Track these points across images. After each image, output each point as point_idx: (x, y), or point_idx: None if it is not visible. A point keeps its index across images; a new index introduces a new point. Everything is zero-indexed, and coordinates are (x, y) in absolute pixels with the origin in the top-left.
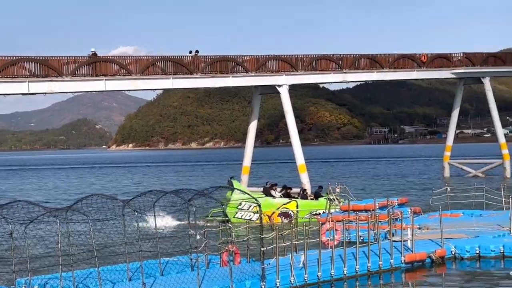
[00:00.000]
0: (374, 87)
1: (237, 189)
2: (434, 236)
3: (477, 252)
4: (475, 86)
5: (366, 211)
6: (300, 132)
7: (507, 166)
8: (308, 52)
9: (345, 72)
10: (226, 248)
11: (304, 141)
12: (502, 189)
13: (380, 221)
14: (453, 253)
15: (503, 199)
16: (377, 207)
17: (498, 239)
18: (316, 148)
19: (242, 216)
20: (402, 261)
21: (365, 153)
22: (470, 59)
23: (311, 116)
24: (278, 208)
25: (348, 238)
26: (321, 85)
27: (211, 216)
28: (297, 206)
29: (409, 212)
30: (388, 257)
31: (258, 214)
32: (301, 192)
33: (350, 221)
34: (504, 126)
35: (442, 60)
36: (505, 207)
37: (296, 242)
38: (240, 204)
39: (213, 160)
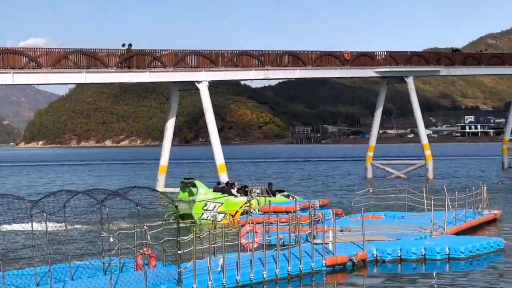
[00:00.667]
0: (296, 85)
1: (180, 191)
2: (355, 238)
3: (399, 254)
4: (399, 86)
5: (287, 213)
6: (220, 130)
7: (430, 167)
8: (229, 48)
9: (267, 69)
10: (141, 251)
11: (224, 140)
12: (424, 191)
13: (301, 223)
14: (374, 255)
15: (425, 201)
16: (298, 208)
17: (419, 242)
18: (237, 147)
19: (208, 217)
20: (323, 264)
21: (288, 153)
22: (393, 57)
23: (231, 114)
24: (241, 207)
25: (268, 241)
26: (242, 82)
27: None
28: (258, 204)
29: (331, 214)
30: (309, 260)
31: (222, 215)
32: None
33: (271, 223)
34: (427, 126)
35: (365, 58)
36: (427, 209)
37: (215, 245)
38: (206, 204)
39: (129, 159)
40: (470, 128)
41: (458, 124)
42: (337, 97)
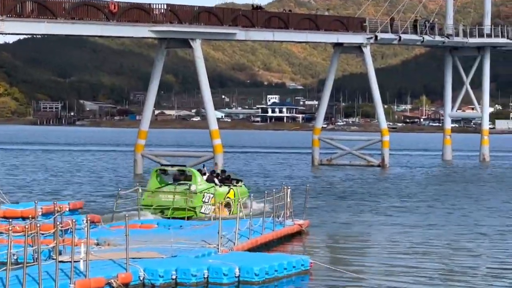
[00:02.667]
0: (43, 44)
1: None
2: (117, 255)
3: (174, 277)
4: (183, 51)
5: (24, 219)
6: None
7: (219, 162)
8: None
9: (1, 20)
10: None
11: None
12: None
13: (43, 234)
14: (141, 278)
15: (211, 206)
16: (40, 213)
17: (201, 260)
18: None
19: (204, 210)
20: None
21: (30, 136)
22: (176, 13)
23: None
24: (224, 198)
25: None
26: None
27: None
28: (235, 195)
29: (84, 221)
30: (51, 284)
31: (214, 207)
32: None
33: (0, 232)
34: (217, 108)
35: (138, 12)
36: (212, 218)
37: None
38: (203, 196)
39: None
40: (273, 111)
41: (258, 106)
42: (99, 64)
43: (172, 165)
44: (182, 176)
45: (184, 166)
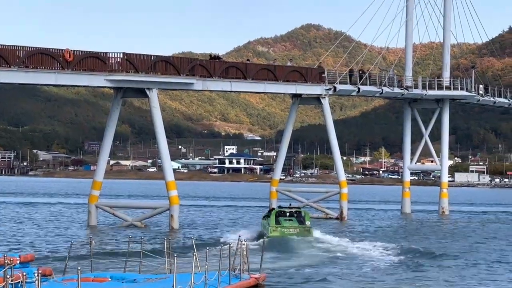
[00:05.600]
0: None
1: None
2: None
3: None
4: (138, 101)
5: None
6: None
7: (175, 213)
8: None
9: None
10: None
11: None
12: (165, 245)
13: None
14: None
15: (166, 259)
16: None
17: None
18: None
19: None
20: None
21: None
22: (132, 62)
23: None
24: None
25: None
26: None
27: None
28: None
29: (36, 274)
30: None
31: None
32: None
33: None
34: (174, 158)
35: (94, 60)
36: (168, 270)
37: None
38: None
39: None
40: (231, 162)
41: (215, 157)
42: (53, 113)
43: (290, 207)
44: (296, 214)
45: (299, 208)
